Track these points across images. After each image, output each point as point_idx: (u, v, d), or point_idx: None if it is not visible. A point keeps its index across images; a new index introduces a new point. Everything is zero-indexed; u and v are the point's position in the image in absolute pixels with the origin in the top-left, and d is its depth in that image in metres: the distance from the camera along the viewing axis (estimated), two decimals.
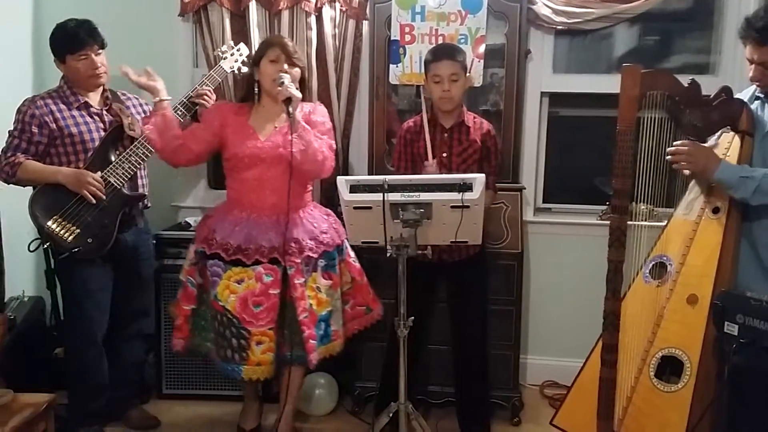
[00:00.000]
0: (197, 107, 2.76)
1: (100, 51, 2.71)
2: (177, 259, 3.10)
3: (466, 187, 2.16)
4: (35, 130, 2.63)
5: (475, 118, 2.75)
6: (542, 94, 3.31)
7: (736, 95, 2.32)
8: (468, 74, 2.73)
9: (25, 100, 2.69)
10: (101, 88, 2.77)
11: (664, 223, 2.42)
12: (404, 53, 3.16)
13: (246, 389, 2.80)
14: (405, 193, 2.18)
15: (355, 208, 2.22)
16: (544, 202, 3.46)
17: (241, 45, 2.96)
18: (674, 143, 2.26)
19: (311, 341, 2.53)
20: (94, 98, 2.76)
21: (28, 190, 2.66)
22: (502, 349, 3.02)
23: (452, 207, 2.18)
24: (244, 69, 2.93)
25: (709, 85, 2.29)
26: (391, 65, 3.18)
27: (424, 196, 2.17)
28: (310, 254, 2.56)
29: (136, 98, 2.93)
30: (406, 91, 3.37)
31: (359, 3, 3.18)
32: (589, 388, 2.32)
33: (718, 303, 2.04)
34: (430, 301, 2.88)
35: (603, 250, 2.25)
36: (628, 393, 2.30)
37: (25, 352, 2.96)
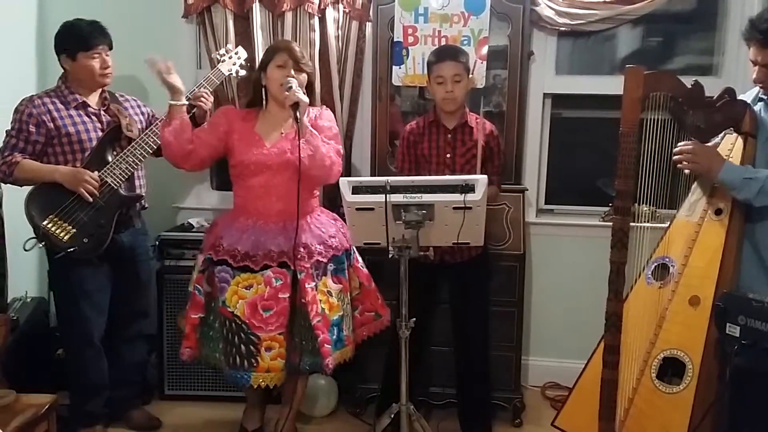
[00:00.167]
0: (195, 109, 2.74)
1: (109, 51, 2.74)
2: (179, 260, 3.11)
3: (468, 188, 2.16)
4: (33, 129, 2.63)
5: (477, 118, 2.75)
6: (545, 95, 3.31)
7: (740, 97, 2.32)
8: (471, 75, 2.73)
9: (22, 100, 2.69)
10: (100, 89, 2.77)
11: (666, 225, 2.42)
12: (407, 55, 3.17)
13: (249, 392, 2.77)
14: (407, 195, 2.18)
15: (357, 209, 2.22)
16: (546, 203, 3.46)
17: (240, 48, 2.96)
18: (679, 144, 2.26)
19: (326, 345, 2.50)
20: (92, 98, 2.76)
21: None
22: (504, 351, 3.02)
23: (454, 208, 2.17)
24: (242, 72, 2.93)
25: (712, 87, 2.29)
26: (394, 67, 3.19)
27: (427, 198, 2.17)
28: (320, 258, 2.54)
29: (134, 100, 2.93)
30: (409, 92, 3.37)
31: (362, 4, 3.19)
32: (591, 390, 2.32)
33: (719, 304, 2.04)
34: (432, 302, 2.88)
35: (605, 252, 2.25)
36: (629, 394, 2.30)
37: (27, 353, 2.97)
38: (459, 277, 2.79)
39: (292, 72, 2.51)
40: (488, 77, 3.19)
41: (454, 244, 2.30)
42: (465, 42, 3.10)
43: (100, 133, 2.72)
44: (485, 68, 3.13)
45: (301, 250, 2.50)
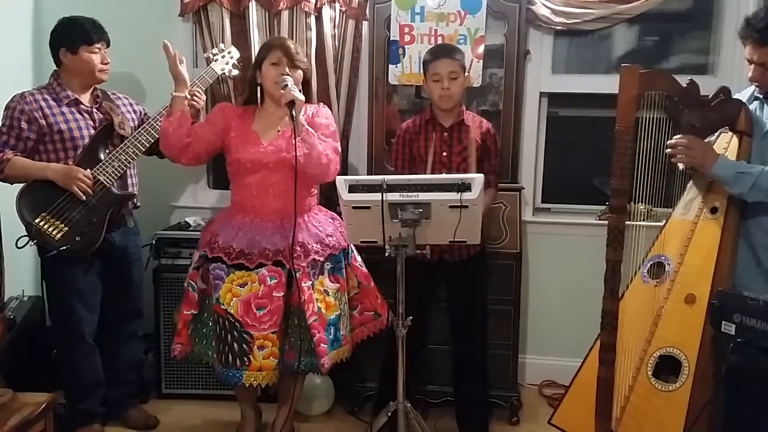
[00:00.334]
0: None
1: (107, 48, 2.74)
2: (176, 259, 3.11)
3: (464, 187, 2.16)
4: (24, 125, 2.61)
5: (474, 116, 2.76)
6: (541, 94, 3.32)
7: (735, 95, 2.33)
8: (467, 74, 2.74)
9: (14, 96, 2.66)
10: (92, 87, 2.76)
11: (662, 223, 2.42)
12: (403, 53, 3.17)
13: (241, 394, 2.72)
14: (404, 193, 2.18)
15: (354, 207, 2.22)
16: (543, 202, 3.47)
17: (232, 48, 2.95)
18: (674, 137, 2.27)
19: (322, 345, 2.49)
20: (84, 96, 2.75)
21: None
22: (501, 349, 3.03)
23: (451, 207, 2.18)
24: (235, 72, 2.91)
25: (708, 86, 2.30)
26: (390, 65, 3.19)
27: (423, 196, 2.17)
28: (316, 257, 2.52)
29: (126, 98, 2.92)
30: (406, 91, 3.38)
31: (359, 3, 3.19)
32: (588, 388, 2.32)
33: (715, 302, 2.05)
34: (429, 300, 2.88)
35: (602, 250, 2.25)
36: (626, 392, 2.31)
37: (24, 352, 2.96)
38: (456, 276, 2.79)
39: (287, 69, 2.49)
40: (484, 76, 3.19)
41: (450, 242, 2.30)
42: (461, 41, 3.10)
43: (92, 131, 2.71)
44: (481, 67, 3.13)
45: (298, 248, 2.49)
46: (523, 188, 3.22)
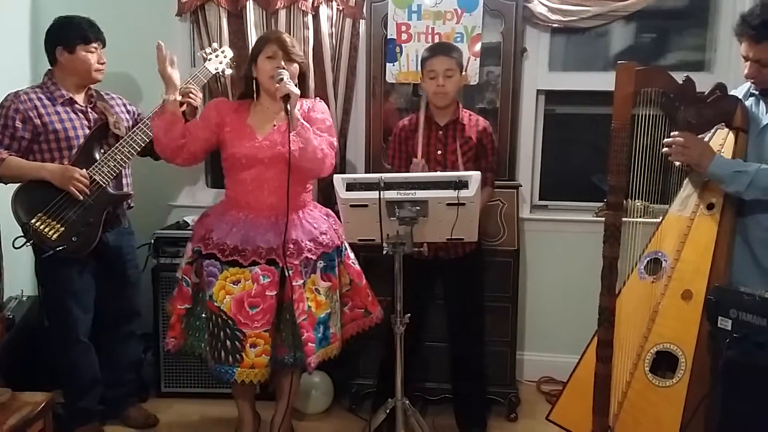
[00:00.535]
0: (184, 106, 2.69)
1: (102, 48, 2.74)
2: (175, 258, 3.11)
3: (461, 184, 2.16)
4: (19, 125, 2.60)
5: (471, 115, 2.76)
6: (538, 92, 3.33)
7: (731, 92, 2.33)
8: (464, 72, 2.74)
9: (8, 95, 2.65)
10: (87, 86, 2.76)
11: (659, 220, 2.43)
12: (401, 52, 3.18)
13: (238, 392, 2.70)
14: (401, 191, 2.19)
15: (351, 205, 2.23)
16: (540, 199, 3.48)
17: (226, 47, 2.93)
18: (671, 134, 2.27)
19: (310, 344, 2.49)
20: (79, 96, 2.74)
21: None
22: (499, 346, 3.03)
23: (448, 204, 2.18)
24: (229, 71, 2.90)
25: (704, 82, 2.31)
26: (387, 64, 3.19)
27: (420, 194, 2.18)
28: (309, 256, 2.51)
29: (120, 98, 2.91)
30: (404, 89, 3.37)
31: (356, 2, 3.20)
32: (585, 384, 2.33)
33: (711, 298, 2.05)
34: (427, 298, 2.89)
35: (599, 247, 2.26)
36: (623, 388, 2.31)
37: (23, 351, 2.97)
38: (453, 273, 2.80)
39: (283, 63, 2.47)
40: (481, 74, 3.20)
41: (448, 240, 2.30)
42: (458, 39, 3.11)
43: (87, 131, 2.70)
44: (478, 65, 3.14)
45: (291, 246, 2.47)
46: (521, 186, 3.23)
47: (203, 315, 2.56)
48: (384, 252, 2.26)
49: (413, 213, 2.18)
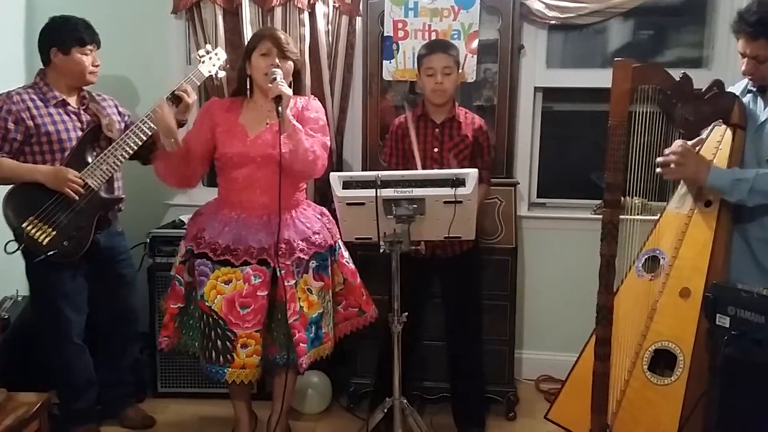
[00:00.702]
0: (178, 104, 2.66)
1: (97, 50, 2.72)
2: (171, 257, 3.08)
3: (458, 182, 2.16)
4: (11, 126, 2.56)
5: (466, 113, 2.75)
6: (536, 89, 3.32)
7: (728, 89, 2.32)
8: (461, 70, 2.74)
9: None
10: (79, 88, 2.73)
11: (656, 217, 2.42)
12: (397, 49, 3.17)
13: (234, 392, 2.68)
14: (398, 189, 2.18)
15: (348, 204, 2.22)
16: (538, 197, 3.47)
17: (219, 49, 2.89)
18: (664, 151, 2.26)
19: (302, 345, 2.47)
20: (71, 97, 2.71)
21: None
22: (497, 344, 3.03)
23: (445, 202, 2.18)
24: (222, 73, 2.86)
25: (702, 79, 2.29)
26: (384, 61, 3.19)
27: (417, 192, 2.17)
28: (301, 256, 2.49)
29: (112, 100, 2.88)
30: (401, 87, 3.36)
31: None
32: (584, 382, 2.33)
33: (709, 295, 2.04)
34: (425, 296, 2.88)
35: (597, 245, 2.25)
36: (621, 386, 2.31)
37: (19, 352, 2.96)
38: (451, 272, 2.79)
39: (277, 60, 2.44)
40: (479, 71, 3.19)
41: (445, 238, 2.30)
42: (455, 36, 3.10)
43: (79, 133, 2.67)
44: (476, 62, 3.13)
45: (282, 246, 2.45)
46: (518, 183, 3.23)
47: (196, 313, 2.55)
48: (381, 250, 2.25)
49: (410, 211, 2.18)
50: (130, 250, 2.96)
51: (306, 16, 3.16)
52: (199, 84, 2.80)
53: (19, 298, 3.13)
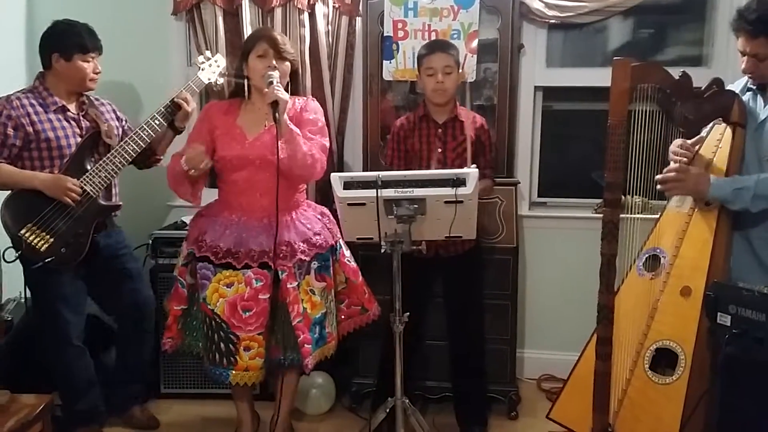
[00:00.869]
0: (177, 111, 2.68)
1: (99, 56, 2.71)
2: (173, 259, 3.08)
3: (459, 182, 2.16)
4: (11, 131, 2.55)
5: (467, 112, 2.76)
6: (536, 88, 3.32)
7: (728, 87, 2.32)
8: (461, 70, 2.74)
9: None
10: (78, 93, 2.72)
11: (657, 216, 2.42)
12: (397, 49, 3.17)
13: (237, 393, 2.68)
14: (399, 189, 2.19)
15: (349, 204, 2.23)
16: (539, 196, 3.47)
17: (219, 56, 2.88)
18: (663, 170, 2.26)
19: (306, 346, 2.48)
20: (70, 103, 2.69)
21: None
22: (499, 344, 3.03)
23: (446, 202, 2.18)
24: (221, 80, 2.86)
25: (702, 77, 2.30)
26: (384, 61, 3.19)
27: (418, 192, 2.18)
28: (303, 257, 2.49)
29: (110, 104, 2.87)
30: (401, 87, 3.36)
31: None
32: (585, 382, 2.32)
33: (710, 294, 2.04)
34: (426, 296, 2.88)
35: (598, 244, 2.25)
36: (623, 386, 2.31)
37: (22, 353, 2.96)
38: (452, 271, 2.79)
39: (274, 62, 2.43)
40: (479, 71, 3.18)
41: (446, 237, 2.30)
42: (455, 36, 3.10)
43: (78, 139, 2.66)
44: (475, 62, 3.13)
45: (284, 248, 2.45)
46: (519, 183, 3.23)
47: (199, 315, 2.56)
48: (382, 251, 2.25)
49: (411, 211, 2.18)
50: (129, 246, 2.93)
51: (306, 16, 3.16)
52: (198, 91, 2.80)
53: (23, 300, 3.12)
